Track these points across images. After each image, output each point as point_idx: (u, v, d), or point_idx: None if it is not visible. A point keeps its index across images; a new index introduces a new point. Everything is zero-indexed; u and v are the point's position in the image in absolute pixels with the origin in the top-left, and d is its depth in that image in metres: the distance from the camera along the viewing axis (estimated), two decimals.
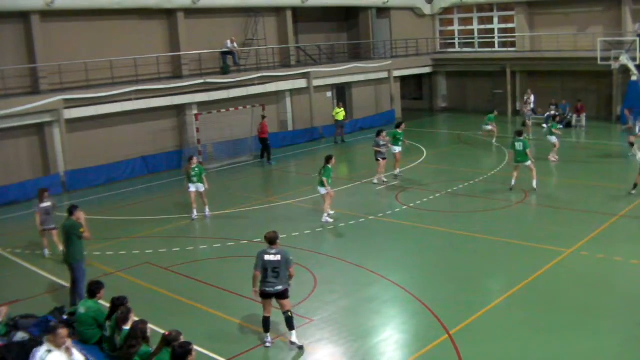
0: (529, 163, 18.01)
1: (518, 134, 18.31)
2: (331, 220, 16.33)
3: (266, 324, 9.84)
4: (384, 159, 19.95)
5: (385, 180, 20.29)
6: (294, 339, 9.78)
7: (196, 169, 17.01)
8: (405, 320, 10.81)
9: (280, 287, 9.51)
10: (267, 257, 9.51)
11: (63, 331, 7.56)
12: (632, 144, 21.05)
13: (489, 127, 26.43)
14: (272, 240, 9.65)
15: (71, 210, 11.68)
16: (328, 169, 16.20)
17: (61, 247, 14.82)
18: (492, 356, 9.37)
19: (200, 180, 17.04)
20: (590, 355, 9.31)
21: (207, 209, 17.44)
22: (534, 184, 18.06)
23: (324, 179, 16.04)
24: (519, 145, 17.99)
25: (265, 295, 9.62)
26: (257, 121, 25.66)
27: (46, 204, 14.55)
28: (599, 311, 10.64)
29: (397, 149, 20.46)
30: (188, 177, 17.16)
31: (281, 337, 10.09)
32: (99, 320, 8.90)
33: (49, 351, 7.43)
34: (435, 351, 9.49)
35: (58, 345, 7.49)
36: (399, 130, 20.58)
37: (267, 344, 9.86)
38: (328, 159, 16.32)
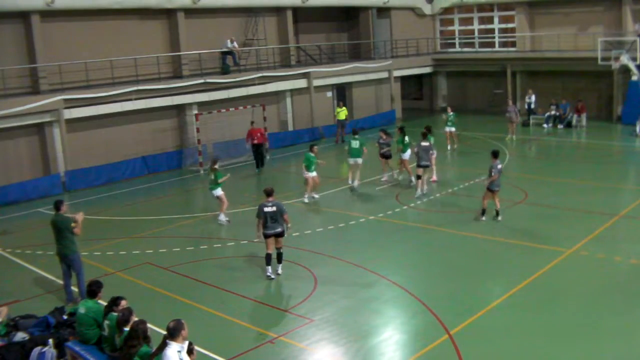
0: (360, 161, 19.05)
1: (354, 132, 19.45)
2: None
3: (268, 259, 12.49)
4: (384, 157, 19.92)
5: (397, 176, 20.58)
6: (279, 270, 12.69)
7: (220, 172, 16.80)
8: (406, 320, 10.81)
9: (278, 229, 12.37)
10: (265, 209, 12.25)
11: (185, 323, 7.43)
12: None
13: (452, 129, 24.66)
14: (268, 193, 12.42)
15: (58, 205, 11.90)
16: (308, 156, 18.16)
17: None
18: (492, 356, 9.36)
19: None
20: (591, 355, 9.31)
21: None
22: (355, 183, 19.14)
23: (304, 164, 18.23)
24: (354, 144, 19.01)
25: (267, 236, 12.36)
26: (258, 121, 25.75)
27: None
28: (599, 311, 10.63)
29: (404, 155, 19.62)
30: (216, 180, 16.49)
31: (282, 337, 10.12)
32: (99, 321, 8.89)
33: (179, 351, 7.16)
34: (435, 351, 9.48)
35: (185, 339, 7.31)
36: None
37: (268, 274, 12.51)
38: (310, 147, 18.43)
